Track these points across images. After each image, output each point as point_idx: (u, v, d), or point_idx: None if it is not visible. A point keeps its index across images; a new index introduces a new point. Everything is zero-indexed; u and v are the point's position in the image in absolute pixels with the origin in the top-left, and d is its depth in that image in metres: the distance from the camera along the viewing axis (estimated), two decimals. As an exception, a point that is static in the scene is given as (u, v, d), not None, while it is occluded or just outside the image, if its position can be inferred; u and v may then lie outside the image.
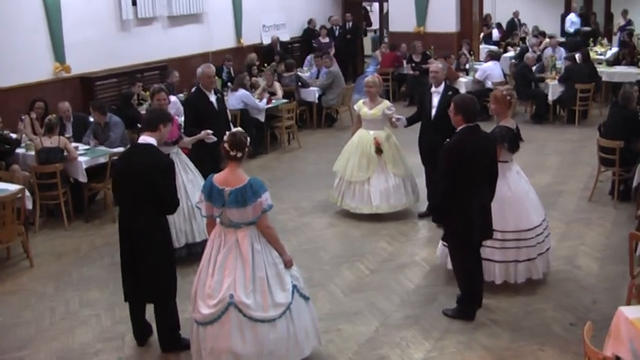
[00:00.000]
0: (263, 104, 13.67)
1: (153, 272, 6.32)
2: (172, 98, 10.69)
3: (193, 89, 9.85)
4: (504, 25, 23.02)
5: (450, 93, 9.00)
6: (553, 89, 15.06)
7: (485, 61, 16.29)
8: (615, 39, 20.75)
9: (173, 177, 6.49)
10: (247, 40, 18.11)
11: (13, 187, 8.92)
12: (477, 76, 15.83)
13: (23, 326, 7.28)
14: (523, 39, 20.74)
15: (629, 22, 20.88)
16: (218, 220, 5.92)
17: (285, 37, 19.12)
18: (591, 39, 19.69)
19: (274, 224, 6.05)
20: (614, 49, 18.66)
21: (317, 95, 15.52)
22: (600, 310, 7.05)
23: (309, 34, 20.17)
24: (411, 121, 9.64)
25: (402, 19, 19.87)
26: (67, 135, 10.84)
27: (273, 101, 14.09)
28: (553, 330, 6.77)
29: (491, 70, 15.63)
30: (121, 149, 9.87)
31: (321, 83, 15.59)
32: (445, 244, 7.41)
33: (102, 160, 10.32)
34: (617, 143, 9.89)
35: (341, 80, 15.87)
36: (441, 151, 6.76)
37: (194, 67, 10.11)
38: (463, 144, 6.59)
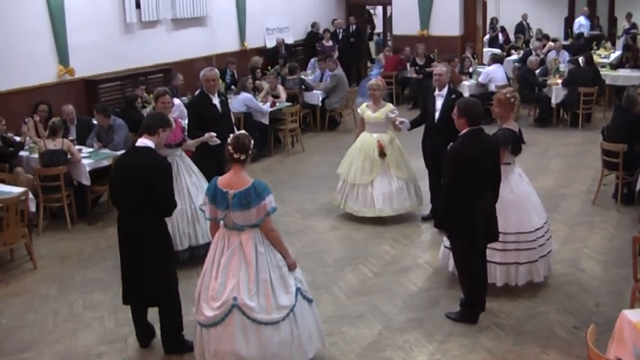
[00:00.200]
0: (266, 107, 13.68)
1: (151, 274, 6.32)
2: (176, 101, 10.72)
3: (197, 92, 9.87)
4: (507, 29, 22.98)
5: (453, 96, 9.00)
6: (556, 93, 15.06)
7: (489, 65, 16.29)
8: (619, 42, 20.70)
9: (170, 179, 6.47)
10: (251, 43, 18.12)
11: (16, 190, 8.94)
12: (481, 79, 15.84)
13: (26, 328, 7.29)
14: (527, 42, 20.71)
15: (634, 26, 20.84)
16: (222, 222, 5.93)
17: (288, 41, 19.13)
18: (595, 42, 19.66)
19: (277, 227, 6.06)
20: (618, 53, 18.63)
21: (320, 98, 15.53)
22: (603, 313, 7.05)
23: (313, 37, 20.18)
24: (414, 124, 9.65)
25: (405, 22, 19.89)
26: (70, 137, 10.86)
27: (277, 104, 14.10)
28: (556, 333, 6.77)
29: (494, 74, 15.63)
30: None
31: (325, 86, 15.60)
32: (447, 246, 7.42)
33: (105, 162, 10.33)
34: (621, 147, 9.88)
35: (345, 83, 15.88)
36: (445, 155, 6.76)
37: (198, 70, 10.13)
38: (467, 148, 6.58)
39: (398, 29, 20.45)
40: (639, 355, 4.83)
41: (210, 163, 8.68)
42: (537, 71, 15.79)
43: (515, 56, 19.19)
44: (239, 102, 13.20)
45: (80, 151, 10.42)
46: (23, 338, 7.08)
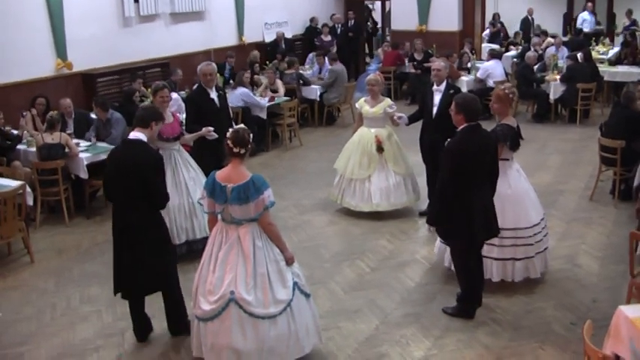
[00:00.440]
0: (264, 102, 13.67)
1: (148, 265, 6.36)
2: (174, 95, 10.71)
3: (195, 86, 9.86)
4: (507, 24, 22.95)
5: (451, 91, 8.99)
6: (555, 88, 15.06)
7: (487, 60, 16.29)
8: (618, 39, 20.69)
9: (163, 172, 6.52)
10: (249, 37, 18.11)
11: (14, 183, 8.94)
12: (479, 74, 15.83)
13: (24, 322, 7.29)
14: (530, 38, 20.69)
15: (634, 22, 20.82)
16: (219, 216, 5.93)
17: (287, 35, 19.12)
18: (593, 38, 19.66)
19: (275, 222, 6.05)
20: (616, 49, 18.63)
21: (318, 93, 15.52)
22: (600, 309, 7.06)
23: (312, 32, 20.17)
24: (412, 120, 9.64)
25: (404, 17, 19.89)
26: (68, 131, 10.86)
27: (275, 99, 14.10)
28: (553, 329, 6.78)
29: (492, 69, 15.63)
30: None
31: (323, 82, 15.59)
32: (443, 241, 7.44)
33: (103, 156, 10.25)
34: (619, 143, 9.89)
35: (343, 78, 15.83)
36: (443, 151, 6.75)
37: (196, 64, 10.12)
38: (465, 144, 6.57)
39: (396, 24, 20.46)
40: (635, 351, 4.84)
41: (209, 157, 8.67)
42: (536, 67, 15.79)
43: (513, 52, 19.19)
44: (236, 97, 13.19)
45: (78, 144, 10.43)
46: (21, 332, 7.09)
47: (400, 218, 9.80)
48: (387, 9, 23.44)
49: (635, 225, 8.80)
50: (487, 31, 21.81)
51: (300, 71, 16.00)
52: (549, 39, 18.43)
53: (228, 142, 5.81)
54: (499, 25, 22.49)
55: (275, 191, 5.89)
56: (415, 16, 19.63)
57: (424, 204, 9.91)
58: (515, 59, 18.11)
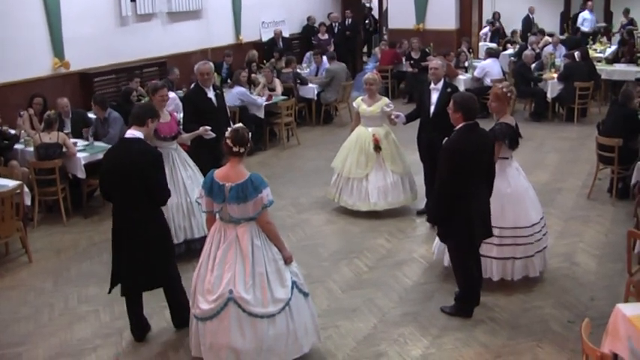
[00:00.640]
0: (261, 100, 13.66)
1: (150, 261, 6.40)
2: (171, 94, 10.71)
3: (192, 86, 9.85)
4: (505, 23, 22.95)
5: (449, 90, 8.99)
6: (552, 87, 15.06)
7: (485, 59, 16.29)
8: (615, 37, 20.68)
9: (163, 169, 6.55)
10: (246, 36, 18.10)
11: (11, 183, 8.92)
12: (476, 73, 15.84)
13: (22, 322, 7.29)
14: (521, 37, 20.70)
15: (631, 22, 20.82)
16: (218, 215, 5.93)
17: (284, 34, 19.11)
18: (590, 37, 19.66)
19: (272, 221, 6.05)
20: (614, 47, 18.64)
21: (316, 92, 15.51)
22: (598, 307, 7.07)
23: (309, 30, 20.15)
24: (409, 118, 9.64)
25: (401, 16, 19.90)
26: (65, 131, 10.84)
27: (273, 98, 14.09)
28: (551, 327, 6.78)
29: (490, 68, 15.63)
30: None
31: (320, 81, 15.58)
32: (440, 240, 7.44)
33: (100, 156, 10.22)
34: (616, 141, 9.90)
35: (341, 78, 15.79)
36: (441, 150, 6.74)
37: (193, 63, 10.11)
38: (463, 143, 6.56)
39: (394, 23, 20.44)
40: (633, 349, 4.85)
41: (206, 156, 8.67)
42: (533, 66, 15.78)
43: (510, 50, 19.19)
44: (233, 96, 13.17)
45: (75, 144, 10.41)
46: (18, 332, 7.08)
47: (398, 217, 9.81)
48: (385, 7, 23.42)
49: (632, 223, 8.80)
50: (486, 30, 21.75)
51: (298, 70, 15.99)
52: (546, 37, 18.42)
53: (228, 141, 5.80)
54: (498, 23, 22.50)
55: (273, 190, 5.90)
56: (412, 15, 19.63)
57: (422, 203, 9.91)
58: (512, 58, 18.12)
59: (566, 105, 15.28)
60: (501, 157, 7.22)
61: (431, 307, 7.23)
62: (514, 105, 15.26)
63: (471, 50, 18.08)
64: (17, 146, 10.77)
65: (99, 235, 9.56)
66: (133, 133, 6.42)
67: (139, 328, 6.79)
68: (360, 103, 9.85)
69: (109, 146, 10.17)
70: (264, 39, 18.70)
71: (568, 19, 23.06)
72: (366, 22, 23.54)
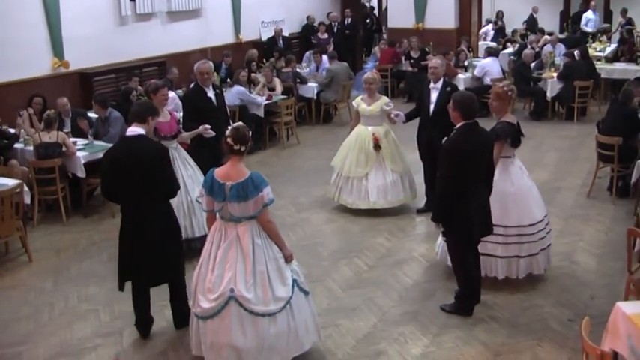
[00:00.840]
0: (261, 99, 13.66)
1: (166, 254, 6.50)
2: (171, 94, 10.71)
3: (191, 85, 9.85)
4: (505, 21, 22.98)
5: (448, 89, 9.01)
6: (552, 86, 15.07)
7: (484, 58, 16.29)
8: (615, 36, 20.68)
9: (170, 162, 6.68)
10: (246, 36, 18.11)
11: (11, 182, 8.91)
12: (476, 72, 15.85)
13: (22, 321, 7.28)
14: (523, 36, 20.70)
15: (629, 22, 20.82)
16: (218, 214, 5.93)
17: (284, 33, 19.11)
18: (590, 36, 19.66)
19: (273, 219, 6.05)
20: (613, 46, 18.64)
21: (315, 91, 15.51)
22: (598, 305, 7.07)
23: (308, 30, 20.15)
24: (409, 117, 9.65)
25: (400, 15, 19.91)
26: (65, 130, 10.84)
27: (273, 97, 14.09)
28: (551, 326, 6.79)
29: (489, 67, 15.65)
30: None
31: (320, 81, 15.57)
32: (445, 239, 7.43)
33: (100, 155, 10.22)
34: (616, 140, 9.90)
35: (341, 77, 15.74)
36: (441, 150, 6.74)
37: (193, 62, 10.11)
38: (462, 143, 6.56)
39: (393, 22, 20.45)
40: (633, 347, 4.84)
41: (206, 155, 8.67)
42: (532, 65, 15.79)
43: (510, 49, 19.19)
44: (232, 95, 13.18)
45: (75, 143, 10.40)
46: (19, 331, 7.08)
47: (398, 216, 9.81)
48: (384, 7, 23.42)
49: (632, 222, 8.82)
50: (488, 28, 21.73)
51: (297, 69, 15.99)
52: (546, 36, 18.43)
53: (228, 139, 5.80)
54: (501, 22, 22.53)
55: (272, 189, 5.89)
56: (412, 14, 19.64)
57: (421, 201, 9.92)
58: (512, 57, 18.12)
59: (566, 104, 15.28)
60: (504, 156, 7.22)
61: (431, 306, 7.23)
62: (513, 104, 15.25)
63: (470, 49, 18.08)
64: (17, 145, 10.75)
65: (99, 235, 9.57)
66: (135, 130, 6.43)
67: (146, 323, 6.82)
68: (359, 103, 9.85)
69: (109, 145, 10.25)
70: (264, 38, 18.71)
71: (567, 18, 23.06)
72: (367, 20, 23.52)
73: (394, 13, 20.40)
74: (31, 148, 10.28)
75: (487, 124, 7.18)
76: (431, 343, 6.56)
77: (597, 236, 8.99)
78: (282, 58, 16.32)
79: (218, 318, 5.77)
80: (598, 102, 16.01)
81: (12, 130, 10.99)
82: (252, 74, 14.79)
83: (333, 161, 10.11)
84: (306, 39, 19.97)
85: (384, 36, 21.79)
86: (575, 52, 15.29)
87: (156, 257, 6.46)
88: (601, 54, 17.60)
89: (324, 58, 16.47)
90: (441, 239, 7.60)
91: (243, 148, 5.83)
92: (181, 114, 9.68)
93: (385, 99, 9.85)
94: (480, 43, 20.32)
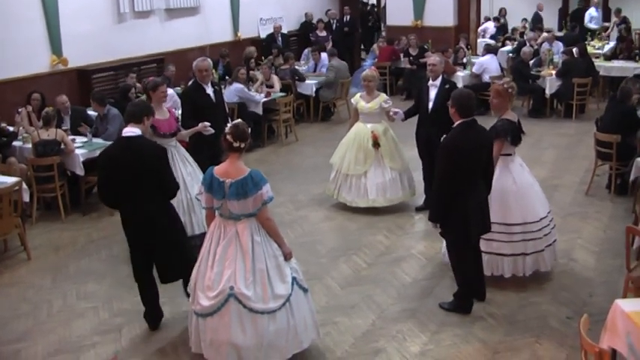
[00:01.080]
0: (259, 97, 13.66)
1: (178, 251, 6.59)
2: (169, 91, 10.69)
3: (190, 82, 9.84)
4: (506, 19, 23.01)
5: (447, 86, 9.01)
6: (550, 83, 15.06)
7: (483, 55, 16.29)
8: (612, 34, 20.67)
9: (168, 161, 6.69)
10: (244, 33, 18.09)
11: (10, 180, 8.91)
12: (474, 69, 15.85)
13: (21, 319, 7.28)
14: (522, 33, 20.71)
15: (624, 20, 20.81)
16: (217, 212, 5.92)
17: (282, 31, 19.10)
18: (589, 33, 19.66)
19: (272, 217, 6.05)
20: (612, 44, 18.64)
21: (314, 89, 15.51)
22: (597, 303, 7.07)
23: (306, 27, 20.13)
24: (408, 115, 9.64)
25: (399, 12, 19.88)
26: (64, 127, 10.82)
27: (271, 94, 14.08)
28: (549, 323, 6.79)
29: (488, 64, 15.65)
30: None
31: (327, 79, 15.44)
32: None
33: (99, 152, 10.28)
34: (615, 137, 9.90)
35: (342, 74, 15.72)
36: (439, 148, 6.73)
37: (191, 60, 10.11)
38: (461, 140, 6.54)
39: (392, 20, 20.42)
40: (632, 345, 4.85)
41: (205, 153, 8.67)
42: (531, 62, 15.79)
43: (509, 47, 19.19)
44: (231, 92, 13.18)
45: (74, 141, 10.40)
46: (17, 329, 7.08)
47: (396, 213, 9.81)
48: (383, 4, 23.39)
49: (631, 219, 8.83)
50: (487, 26, 21.71)
51: (296, 67, 15.98)
52: (545, 34, 18.43)
53: (228, 136, 5.79)
54: (504, 20, 22.53)
55: (271, 187, 5.89)
56: (410, 12, 19.61)
57: (420, 199, 9.92)
58: (510, 54, 18.11)
59: (565, 101, 15.28)
60: (504, 154, 7.22)
61: (429, 304, 7.24)
62: (512, 101, 15.24)
63: (469, 47, 18.08)
64: (15, 143, 10.74)
65: (97, 232, 9.56)
66: (132, 130, 6.42)
67: (155, 316, 6.88)
68: (358, 100, 9.85)
69: (107, 143, 10.23)
70: (263, 36, 18.70)
71: (566, 16, 23.05)
72: (370, 17, 23.46)
73: (393, 11, 20.37)
74: (30, 145, 10.27)
75: (485, 122, 7.16)
76: (429, 340, 6.57)
77: (596, 234, 8.99)
78: (280, 55, 16.29)
79: (218, 316, 5.77)
80: (597, 99, 16.02)
81: (10, 128, 10.97)
82: (251, 72, 14.78)
83: (331, 159, 10.11)
84: (304, 36, 19.94)
85: (383, 33, 21.75)
86: (574, 50, 15.30)
87: (176, 252, 6.56)
88: (600, 51, 17.61)
89: (323, 55, 16.48)
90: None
91: (242, 145, 5.82)
92: (180, 111, 9.67)
93: (384, 96, 9.84)
94: (479, 40, 20.31)
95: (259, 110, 13.63)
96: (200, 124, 8.63)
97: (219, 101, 9.47)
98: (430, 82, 9.26)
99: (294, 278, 5.95)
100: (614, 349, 5.00)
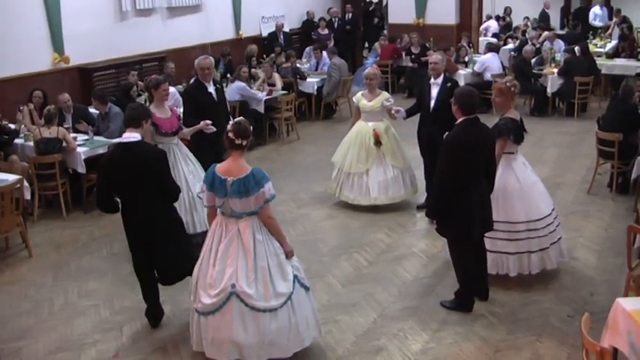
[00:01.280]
0: (261, 95, 13.65)
1: (181, 253, 6.60)
2: (171, 89, 10.69)
3: (192, 80, 9.84)
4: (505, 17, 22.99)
5: (449, 85, 9.00)
6: (552, 82, 15.05)
7: (484, 54, 16.28)
8: (614, 33, 20.66)
9: (168, 165, 6.70)
10: (246, 31, 18.09)
11: (11, 178, 8.91)
12: (476, 68, 15.83)
13: (22, 316, 7.29)
14: (524, 32, 20.69)
15: (625, 20, 20.79)
16: (219, 210, 5.92)
17: (284, 29, 19.08)
18: (590, 32, 19.64)
19: (274, 215, 6.05)
20: (614, 42, 18.62)
21: (316, 87, 15.50)
22: (598, 302, 7.07)
23: (308, 25, 20.13)
24: (410, 113, 9.63)
25: (401, 11, 19.86)
26: (66, 125, 10.81)
27: (273, 92, 14.08)
28: (550, 322, 6.79)
29: (490, 63, 15.62)
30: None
31: (332, 78, 15.39)
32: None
33: (101, 150, 10.29)
34: (616, 136, 9.89)
35: (343, 73, 15.75)
36: (442, 145, 6.72)
37: (193, 58, 10.11)
38: (463, 138, 6.53)
39: (394, 18, 20.41)
40: (633, 343, 4.85)
41: (207, 151, 8.66)
42: (533, 60, 15.77)
43: (511, 45, 19.17)
44: (232, 91, 13.18)
45: (75, 139, 10.40)
46: (18, 326, 7.08)
47: (398, 212, 9.81)
48: (385, 3, 23.37)
49: (632, 218, 8.81)
50: (489, 24, 21.68)
51: (297, 65, 15.98)
52: (546, 32, 18.41)
53: (230, 134, 5.78)
54: (509, 18, 22.51)
55: (272, 185, 5.88)
56: (412, 10, 19.60)
57: (422, 197, 9.92)
58: (512, 53, 18.09)
59: (566, 100, 15.27)
60: (507, 152, 7.21)
61: (430, 302, 7.24)
62: (514, 100, 15.23)
63: (471, 45, 18.07)
64: (17, 141, 10.75)
65: (99, 230, 9.57)
66: (131, 135, 6.40)
67: (156, 314, 6.88)
68: (360, 98, 9.84)
69: (109, 141, 10.26)
70: (264, 34, 18.69)
71: (569, 14, 23.03)
72: (375, 15, 23.37)
73: (395, 9, 20.36)
74: (32, 143, 10.28)
75: (487, 120, 7.15)
76: (431, 339, 6.57)
77: (597, 232, 8.99)
78: (282, 53, 16.29)
79: (219, 314, 5.77)
80: (598, 98, 16.00)
81: (12, 126, 10.99)
82: (253, 70, 14.77)
83: (333, 157, 10.11)
84: (306, 34, 19.94)
85: (385, 31, 21.73)
86: (576, 48, 15.29)
87: (179, 253, 6.58)
88: (602, 50, 17.59)
89: (325, 53, 16.46)
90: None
91: (244, 143, 5.82)
92: (181, 109, 9.66)
93: (385, 95, 9.84)
94: (481, 38, 20.27)
95: (261, 108, 13.63)
96: (202, 123, 8.63)
97: (221, 99, 9.47)
98: (432, 80, 9.25)
99: (295, 276, 5.95)
100: (616, 348, 4.99)
